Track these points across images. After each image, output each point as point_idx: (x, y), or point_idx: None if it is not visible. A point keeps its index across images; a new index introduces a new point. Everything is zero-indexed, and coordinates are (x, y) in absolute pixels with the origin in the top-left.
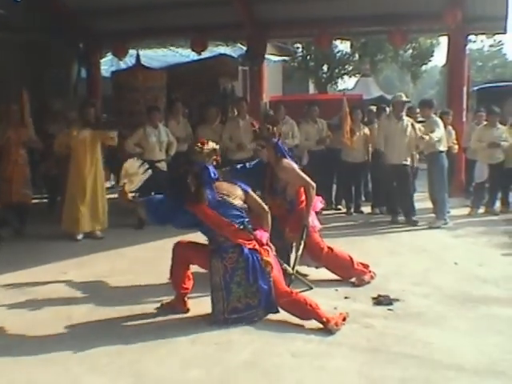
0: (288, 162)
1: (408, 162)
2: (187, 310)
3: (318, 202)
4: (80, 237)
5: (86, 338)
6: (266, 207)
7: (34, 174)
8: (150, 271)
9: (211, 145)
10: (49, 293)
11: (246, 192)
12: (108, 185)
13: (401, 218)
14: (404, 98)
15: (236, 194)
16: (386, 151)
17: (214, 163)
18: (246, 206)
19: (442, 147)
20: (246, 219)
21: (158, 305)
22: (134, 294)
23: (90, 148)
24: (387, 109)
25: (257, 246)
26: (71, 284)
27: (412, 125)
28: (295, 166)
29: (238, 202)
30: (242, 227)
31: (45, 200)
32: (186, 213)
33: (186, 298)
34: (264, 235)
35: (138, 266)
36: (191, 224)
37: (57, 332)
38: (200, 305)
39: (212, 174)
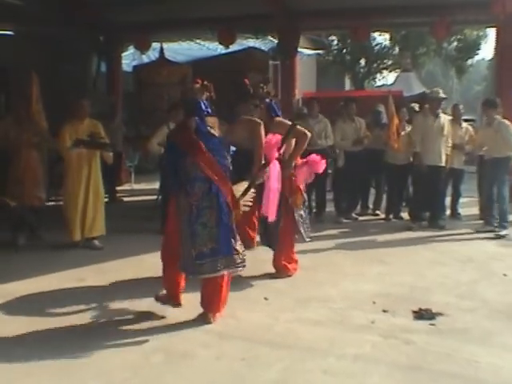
0: (281, 119)
1: (443, 164)
2: (179, 305)
3: (321, 163)
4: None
5: (103, 350)
6: None
7: (52, 174)
8: None
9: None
10: (65, 301)
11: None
12: (128, 187)
13: (424, 222)
14: (442, 95)
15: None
16: (421, 151)
17: (207, 99)
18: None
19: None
20: (226, 159)
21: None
22: (154, 303)
23: (86, 157)
24: None
25: (224, 186)
26: (88, 292)
27: (449, 123)
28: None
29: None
30: (217, 160)
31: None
32: (172, 147)
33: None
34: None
35: (158, 272)
36: (175, 158)
37: (73, 343)
38: (223, 319)
39: (203, 107)
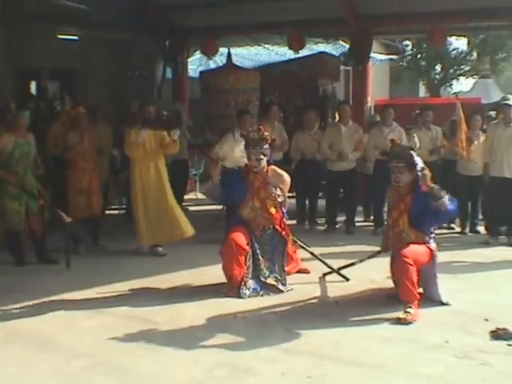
0: None
1: None
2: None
3: None
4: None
5: (167, 363)
6: None
7: (115, 183)
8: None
9: None
10: (124, 313)
11: None
12: (193, 196)
13: (502, 237)
14: (509, 102)
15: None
16: (489, 162)
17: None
18: None
19: None
20: None
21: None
22: (219, 317)
23: (151, 155)
24: None
25: None
26: (151, 302)
27: None
28: None
29: None
30: None
31: (123, 211)
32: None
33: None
34: None
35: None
36: None
37: (135, 355)
38: (289, 334)
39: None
